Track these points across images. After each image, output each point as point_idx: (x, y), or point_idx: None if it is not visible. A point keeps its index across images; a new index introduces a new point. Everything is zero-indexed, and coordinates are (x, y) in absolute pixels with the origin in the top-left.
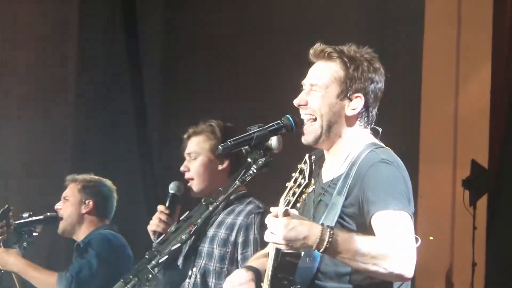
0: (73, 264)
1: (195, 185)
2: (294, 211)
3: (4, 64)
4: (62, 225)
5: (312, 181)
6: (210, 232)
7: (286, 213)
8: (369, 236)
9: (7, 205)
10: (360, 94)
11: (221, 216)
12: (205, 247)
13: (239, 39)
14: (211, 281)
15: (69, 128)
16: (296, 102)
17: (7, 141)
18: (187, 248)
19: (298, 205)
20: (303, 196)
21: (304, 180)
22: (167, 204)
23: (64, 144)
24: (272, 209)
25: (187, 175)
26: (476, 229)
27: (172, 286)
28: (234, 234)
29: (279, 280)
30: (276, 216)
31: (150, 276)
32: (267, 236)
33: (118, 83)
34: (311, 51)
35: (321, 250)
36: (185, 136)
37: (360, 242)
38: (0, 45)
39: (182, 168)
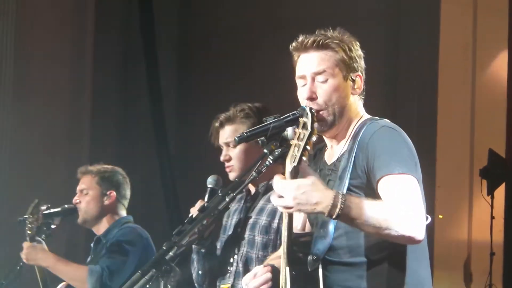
0: (103, 258)
1: (237, 171)
2: (305, 168)
3: (21, 55)
4: (83, 218)
5: (316, 131)
6: (251, 219)
7: (295, 170)
8: (379, 201)
9: (37, 200)
10: (358, 73)
11: (261, 202)
12: (246, 235)
13: (254, 27)
14: None
15: (85, 121)
16: (307, 96)
17: (24, 133)
18: (226, 236)
19: (304, 158)
20: (308, 147)
21: (307, 130)
22: (206, 199)
23: (81, 137)
24: (274, 178)
25: (228, 164)
26: (494, 219)
27: (212, 275)
28: (276, 220)
29: (295, 253)
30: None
31: (168, 267)
32: (275, 200)
33: (134, 74)
34: (297, 44)
35: (334, 216)
36: (217, 124)
37: (372, 206)
38: (17, 37)
39: (222, 158)
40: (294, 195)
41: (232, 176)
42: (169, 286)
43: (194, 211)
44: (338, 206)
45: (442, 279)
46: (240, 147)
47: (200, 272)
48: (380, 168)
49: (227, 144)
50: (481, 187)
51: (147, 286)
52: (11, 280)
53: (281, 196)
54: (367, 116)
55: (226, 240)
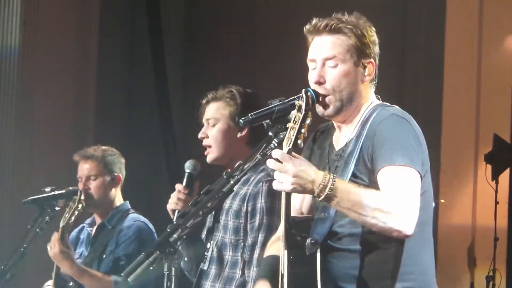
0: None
1: (212, 153)
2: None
3: (27, 39)
4: (94, 203)
5: (310, 114)
6: (227, 204)
7: (289, 153)
8: (371, 190)
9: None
10: (371, 59)
11: (236, 187)
12: (222, 220)
13: (262, 9)
14: (228, 254)
15: (91, 103)
16: (315, 80)
17: (30, 116)
18: (211, 221)
19: (299, 141)
20: (303, 130)
21: (301, 113)
22: (184, 183)
23: (86, 120)
24: (274, 152)
25: (205, 142)
26: (498, 204)
27: (196, 261)
28: (245, 204)
29: (293, 236)
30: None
31: (172, 249)
32: (276, 175)
33: (140, 57)
34: (310, 27)
35: (322, 197)
36: (204, 101)
37: (361, 194)
38: (23, 21)
39: (200, 135)
40: (295, 172)
41: (208, 153)
42: (172, 268)
43: (171, 206)
44: (328, 187)
45: (446, 264)
46: (218, 127)
47: (185, 258)
48: (383, 158)
49: (208, 121)
50: (485, 172)
51: (151, 268)
52: (13, 263)
53: (282, 174)
54: (377, 102)
55: (208, 226)
